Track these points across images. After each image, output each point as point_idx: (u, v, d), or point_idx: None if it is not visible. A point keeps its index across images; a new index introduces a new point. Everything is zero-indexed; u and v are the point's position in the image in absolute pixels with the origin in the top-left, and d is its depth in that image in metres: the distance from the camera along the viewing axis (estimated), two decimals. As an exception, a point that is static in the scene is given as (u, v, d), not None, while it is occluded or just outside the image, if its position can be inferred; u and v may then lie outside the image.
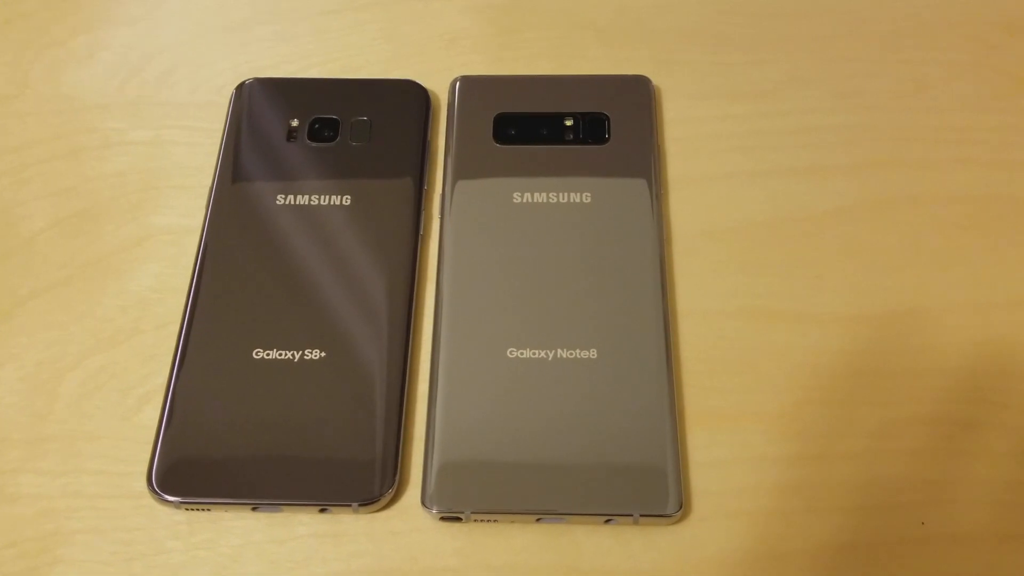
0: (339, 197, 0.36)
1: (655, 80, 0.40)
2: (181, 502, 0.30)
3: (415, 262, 0.35)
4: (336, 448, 0.31)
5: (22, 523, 0.31)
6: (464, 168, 0.37)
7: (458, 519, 0.30)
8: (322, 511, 0.31)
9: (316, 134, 0.38)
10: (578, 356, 0.32)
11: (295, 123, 0.38)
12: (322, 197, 0.36)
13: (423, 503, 0.30)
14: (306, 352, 0.33)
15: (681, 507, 0.30)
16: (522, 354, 0.32)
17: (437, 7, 0.43)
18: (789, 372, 0.33)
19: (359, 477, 0.31)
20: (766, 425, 0.32)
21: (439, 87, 0.40)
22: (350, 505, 0.30)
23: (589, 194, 0.36)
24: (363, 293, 0.34)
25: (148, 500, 0.31)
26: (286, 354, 0.33)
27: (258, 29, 0.43)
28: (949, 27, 0.42)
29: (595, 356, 0.32)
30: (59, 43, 0.42)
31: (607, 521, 0.30)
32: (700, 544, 0.30)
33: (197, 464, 0.31)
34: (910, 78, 0.40)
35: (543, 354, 0.32)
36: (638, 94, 0.39)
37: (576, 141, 0.37)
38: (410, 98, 0.39)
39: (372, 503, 0.30)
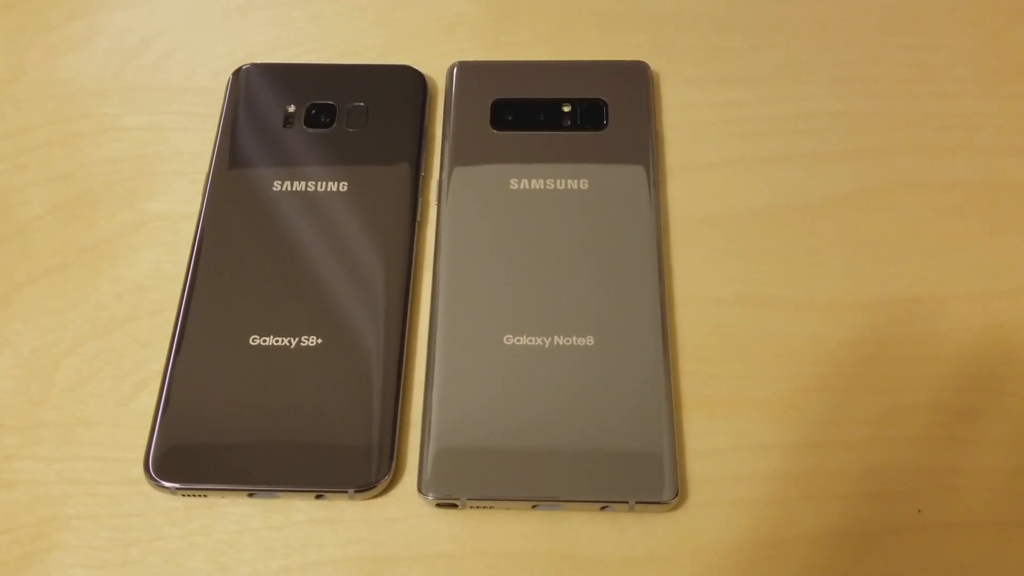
0: (336, 183, 0.36)
1: (653, 66, 0.39)
2: (178, 488, 0.30)
3: (412, 249, 0.35)
4: (332, 435, 0.31)
5: (18, 509, 0.31)
6: (461, 154, 0.37)
7: (454, 505, 0.30)
8: (318, 497, 0.31)
9: (313, 120, 0.38)
10: (575, 343, 0.32)
11: (292, 109, 0.38)
12: (319, 183, 0.36)
13: (419, 490, 0.30)
14: (303, 339, 0.33)
15: (677, 494, 0.30)
16: (519, 341, 0.32)
17: (435, -8, 0.43)
18: (787, 359, 0.33)
19: (355, 464, 0.31)
20: (764, 412, 0.32)
21: (436, 73, 0.40)
22: (346, 491, 0.30)
23: (586, 180, 0.36)
24: (360, 280, 0.34)
25: (145, 486, 0.31)
26: (283, 341, 0.33)
27: (255, 14, 0.42)
28: (950, 12, 0.42)
29: (592, 343, 0.32)
30: (54, 27, 0.42)
31: (603, 508, 0.30)
32: (696, 531, 0.30)
33: (194, 450, 0.31)
34: (911, 63, 0.40)
35: (540, 341, 0.32)
36: (636, 80, 0.38)
37: (574, 127, 0.37)
38: (407, 84, 0.39)
39: (368, 489, 0.30)
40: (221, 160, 0.37)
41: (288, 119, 0.38)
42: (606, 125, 0.37)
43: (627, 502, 0.30)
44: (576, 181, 0.36)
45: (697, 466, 0.31)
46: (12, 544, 0.30)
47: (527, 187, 0.36)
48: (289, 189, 0.36)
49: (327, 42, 0.41)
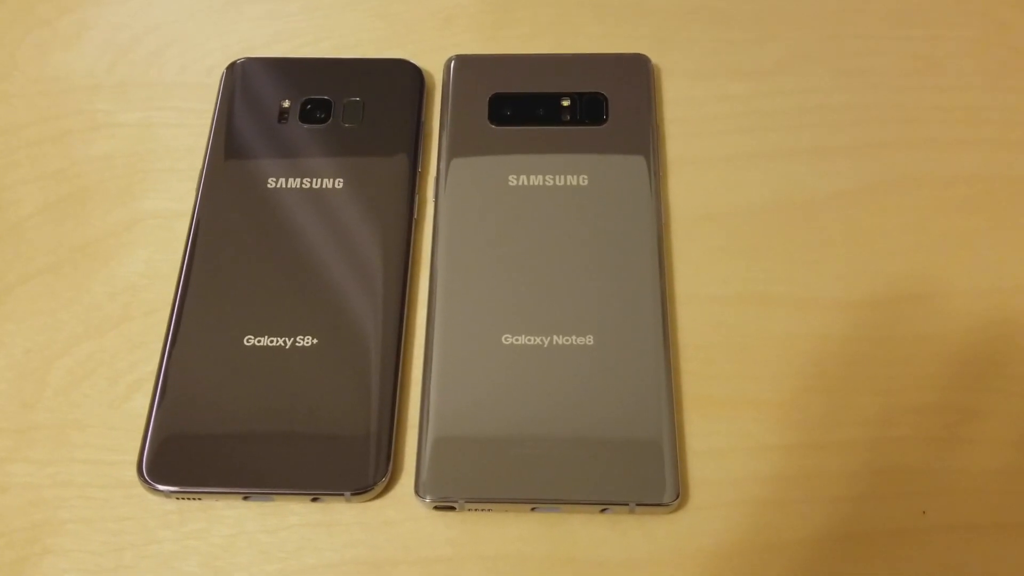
0: (332, 180, 0.36)
1: (654, 59, 0.39)
2: (172, 491, 0.30)
3: (409, 246, 0.34)
4: (329, 437, 0.31)
5: (11, 513, 0.31)
6: (459, 150, 0.36)
7: (452, 508, 0.30)
8: (314, 500, 0.30)
9: (308, 115, 0.37)
10: (574, 343, 0.32)
11: (287, 104, 0.37)
12: (314, 180, 0.36)
13: (416, 492, 0.30)
14: (298, 339, 0.32)
15: (678, 496, 0.29)
16: (517, 341, 0.32)
17: (432, -16, 0.42)
18: (788, 359, 0.33)
19: (352, 466, 0.30)
20: (765, 413, 0.32)
21: (433, 66, 0.39)
22: (343, 494, 0.30)
23: (586, 176, 0.35)
24: (356, 278, 0.34)
25: (139, 489, 0.30)
26: (278, 341, 0.32)
27: (249, 7, 0.42)
28: (956, 3, 0.41)
29: (591, 343, 0.32)
30: (46, 23, 0.41)
31: (603, 510, 0.30)
32: (697, 533, 0.30)
33: (188, 453, 0.31)
34: (916, 56, 0.40)
35: (539, 341, 0.32)
36: (637, 73, 0.38)
37: (573, 122, 0.37)
38: (404, 78, 0.38)
39: (365, 492, 0.30)
40: (215, 156, 0.36)
41: (283, 114, 0.37)
42: (606, 120, 0.36)
43: (627, 504, 0.29)
44: (575, 177, 0.35)
45: (698, 467, 0.31)
46: (5, 548, 0.30)
47: (526, 183, 0.35)
48: (284, 186, 0.35)
49: (322, 36, 0.41)
